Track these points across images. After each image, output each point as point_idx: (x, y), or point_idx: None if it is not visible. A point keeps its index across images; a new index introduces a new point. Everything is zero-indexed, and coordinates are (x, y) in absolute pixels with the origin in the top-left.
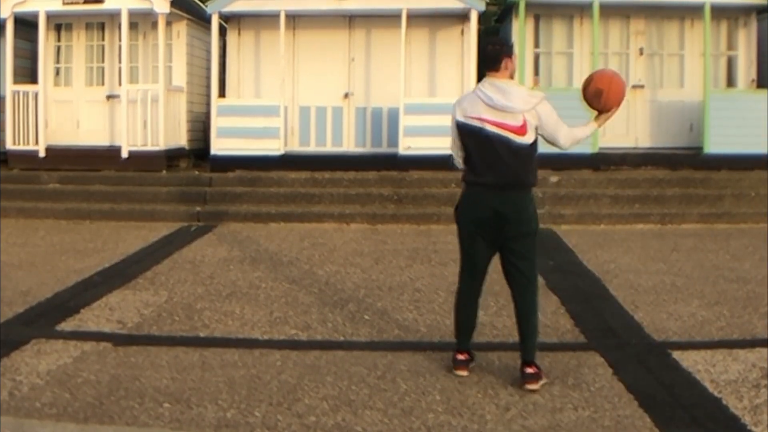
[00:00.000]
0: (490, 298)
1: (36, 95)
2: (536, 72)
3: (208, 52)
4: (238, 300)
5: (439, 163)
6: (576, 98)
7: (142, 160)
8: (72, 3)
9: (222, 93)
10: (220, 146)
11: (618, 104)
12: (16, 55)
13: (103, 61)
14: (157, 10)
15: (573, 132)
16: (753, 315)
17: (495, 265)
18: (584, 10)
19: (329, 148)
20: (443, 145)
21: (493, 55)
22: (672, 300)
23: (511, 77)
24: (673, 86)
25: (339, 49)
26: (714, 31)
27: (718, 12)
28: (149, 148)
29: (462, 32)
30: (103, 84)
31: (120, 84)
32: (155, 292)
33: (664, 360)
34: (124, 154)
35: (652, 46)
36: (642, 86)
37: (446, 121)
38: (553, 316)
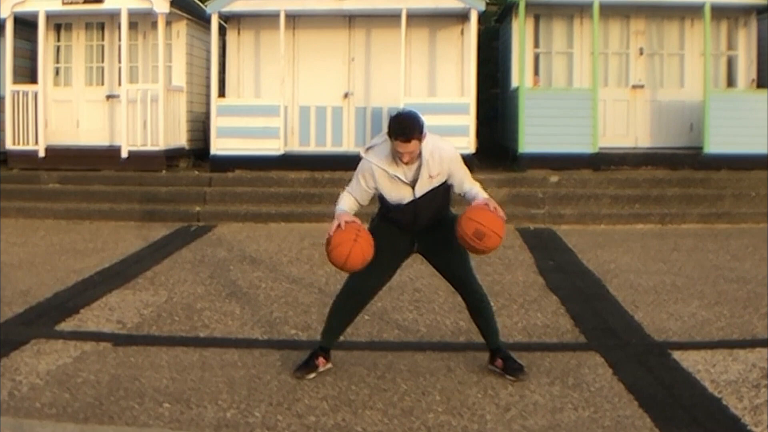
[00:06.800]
0: (490, 299)
1: (36, 95)
2: (536, 72)
3: (208, 51)
4: (238, 300)
5: None
6: (576, 98)
7: (141, 160)
8: (72, 3)
9: (222, 93)
10: (220, 146)
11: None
12: (16, 55)
13: (102, 61)
14: (156, 9)
15: None
16: (753, 315)
17: (494, 266)
18: (584, 10)
19: (329, 148)
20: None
21: None
22: (672, 300)
23: None
24: (673, 86)
25: (339, 48)
26: (714, 31)
27: (718, 12)
28: (149, 148)
29: (462, 32)
30: (102, 84)
31: (120, 84)
32: (155, 292)
33: (664, 360)
34: (124, 154)
35: (652, 46)
36: (642, 86)
37: (446, 121)
38: (553, 316)
